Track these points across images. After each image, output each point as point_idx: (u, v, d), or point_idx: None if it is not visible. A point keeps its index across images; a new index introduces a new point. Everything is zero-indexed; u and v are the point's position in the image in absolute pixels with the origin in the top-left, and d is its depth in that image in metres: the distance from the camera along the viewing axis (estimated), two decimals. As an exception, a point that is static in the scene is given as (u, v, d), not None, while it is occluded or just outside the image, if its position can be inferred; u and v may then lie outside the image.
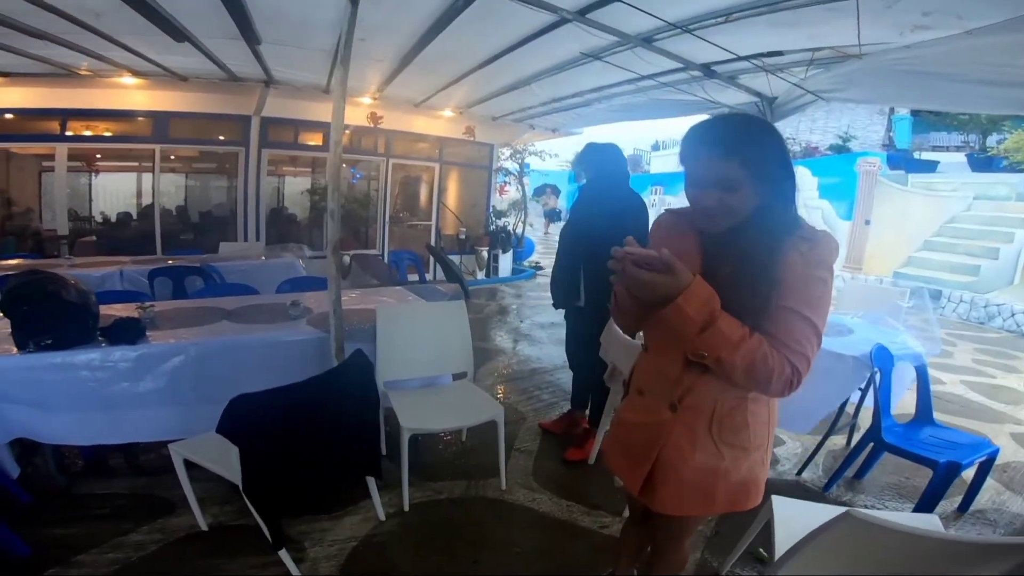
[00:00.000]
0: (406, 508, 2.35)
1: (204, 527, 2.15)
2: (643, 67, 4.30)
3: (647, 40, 3.69)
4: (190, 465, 2.05)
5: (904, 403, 3.13)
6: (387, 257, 8.06)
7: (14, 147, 6.87)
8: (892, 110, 12.94)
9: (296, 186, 8.76)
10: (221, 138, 7.11)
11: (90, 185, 7.49)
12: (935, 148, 12.15)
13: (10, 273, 3.63)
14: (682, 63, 4.12)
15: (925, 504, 2.26)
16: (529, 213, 10.17)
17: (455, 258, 8.43)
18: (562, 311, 3.07)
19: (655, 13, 3.17)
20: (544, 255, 11.05)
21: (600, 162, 2.81)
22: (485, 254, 8.74)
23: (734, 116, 1.20)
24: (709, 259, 1.16)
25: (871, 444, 2.55)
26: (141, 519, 2.21)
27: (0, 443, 2.17)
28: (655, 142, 20.45)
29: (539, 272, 9.62)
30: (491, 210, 9.51)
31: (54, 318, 2.14)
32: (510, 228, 9.50)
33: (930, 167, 10.66)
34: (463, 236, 8.78)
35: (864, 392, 2.79)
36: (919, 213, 9.60)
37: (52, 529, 2.13)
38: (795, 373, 1.05)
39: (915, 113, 12.37)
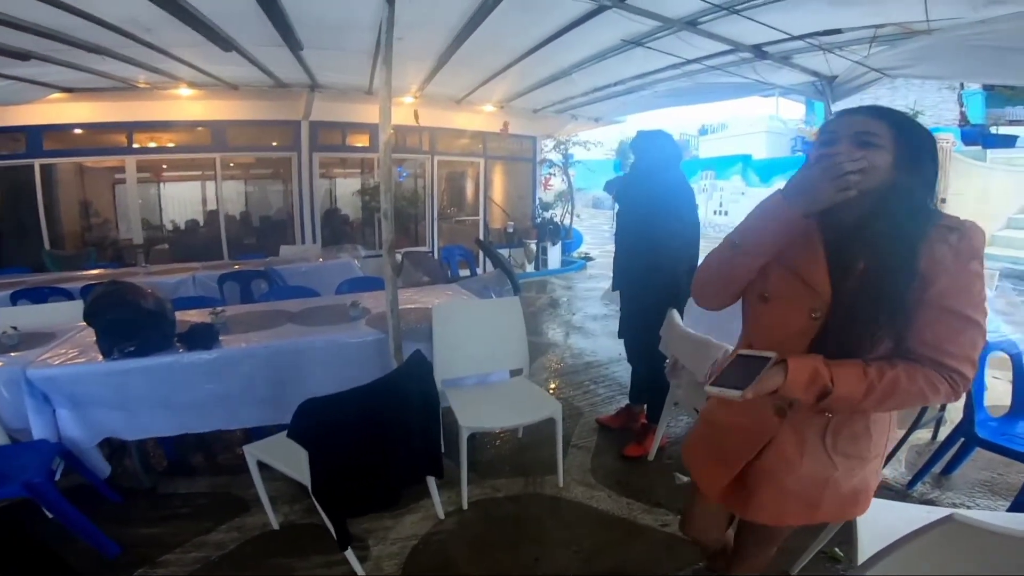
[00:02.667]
0: (465, 506, 2.37)
1: (276, 526, 2.24)
2: (688, 51, 4.16)
3: (692, 23, 3.56)
4: (262, 465, 2.13)
5: (991, 394, 2.91)
6: (437, 254, 8.18)
7: (88, 161, 7.37)
8: (962, 85, 12.06)
9: (347, 187, 9.00)
10: (274, 144, 7.37)
11: (159, 195, 7.96)
12: (1012, 123, 11.24)
13: (92, 283, 3.92)
14: (731, 45, 3.95)
15: (1022, 505, 2.09)
16: (576, 204, 10.06)
17: (504, 252, 8.47)
18: (616, 302, 3.04)
19: None
20: (593, 245, 10.92)
21: (649, 148, 2.75)
22: (533, 247, 8.74)
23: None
24: (836, 254, 1.04)
25: (962, 439, 2.38)
26: (220, 518, 2.32)
27: (91, 444, 2.33)
28: (702, 126, 19.78)
29: (589, 263, 9.52)
30: (537, 202, 9.47)
31: (135, 326, 2.28)
32: (557, 220, 9.44)
33: (1009, 142, 9.91)
34: (511, 230, 8.80)
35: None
36: (1001, 190, 8.92)
37: (139, 528, 2.26)
38: (958, 380, 0.96)
39: (988, 88, 11.50)
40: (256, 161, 8.19)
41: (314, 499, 1.77)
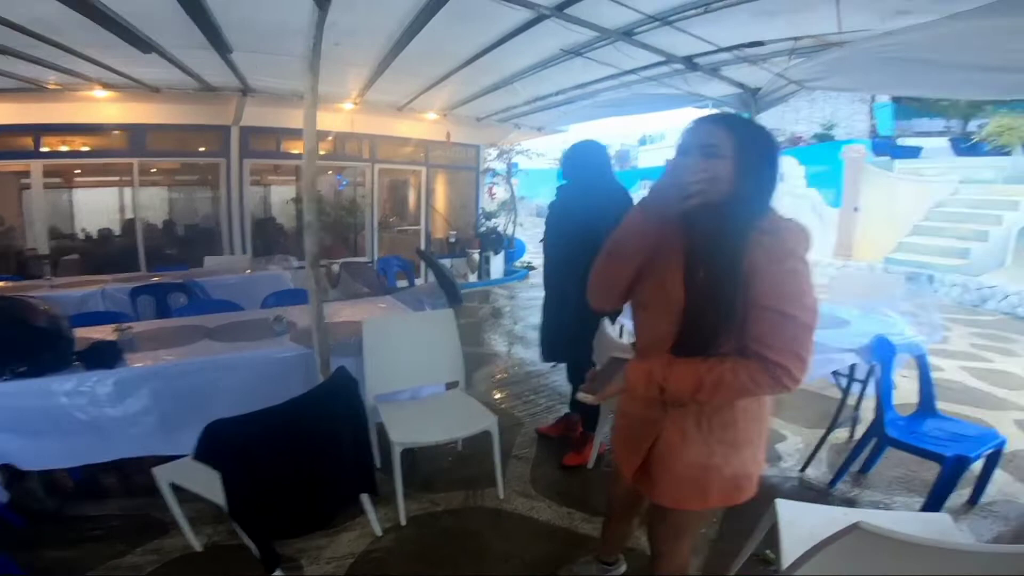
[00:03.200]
0: (403, 522, 2.31)
1: (199, 548, 2.12)
2: (625, 62, 4.25)
3: (627, 34, 3.64)
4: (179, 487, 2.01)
5: (902, 392, 3.10)
6: (376, 264, 7.99)
7: (-12, 165, 6.74)
8: (874, 97, 13.00)
9: (282, 195, 8.67)
10: (201, 149, 7.00)
11: (71, 202, 7.37)
12: (918, 134, 12.20)
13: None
14: (664, 56, 4.07)
15: (934, 502, 2.21)
16: (520, 213, 10.11)
17: (446, 261, 8.37)
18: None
19: (633, 6, 3.12)
20: (536, 255, 10.99)
21: (580, 159, 2.76)
22: (476, 256, 8.68)
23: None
24: (691, 260, 1.13)
25: (875, 439, 2.50)
26: (135, 541, 2.18)
27: None
28: (642, 137, 20.48)
29: (532, 272, 9.56)
30: (480, 212, 9.44)
31: (27, 345, 2.08)
32: (500, 229, 9.44)
33: (914, 153, 10.73)
34: (453, 239, 8.71)
35: (864, 384, 2.74)
36: (906, 198, 9.64)
37: (47, 552, 2.11)
38: (781, 373, 1.04)
39: (896, 100, 12.43)
40: (182, 167, 7.76)
41: (232, 521, 1.69)
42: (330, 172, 8.34)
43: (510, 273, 9.14)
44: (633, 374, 1.13)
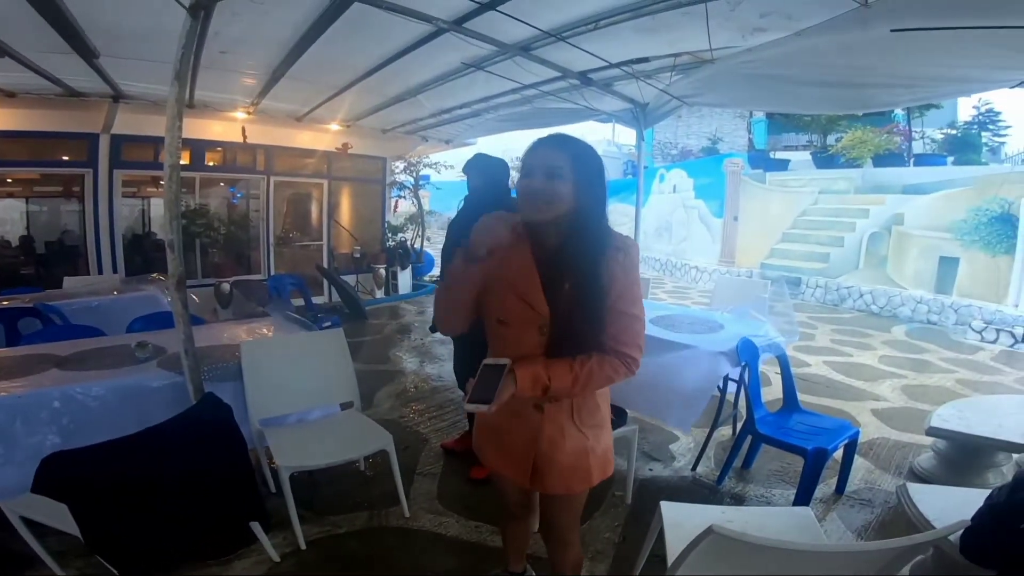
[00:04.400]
0: (303, 546, 2.19)
1: None
2: (524, 76, 4.36)
3: (525, 48, 3.74)
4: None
5: (776, 388, 3.37)
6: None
7: None
8: (751, 113, 14.29)
9: (162, 208, 7.91)
10: (65, 158, 6.26)
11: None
12: (786, 148, 13.51)
13: None
14: (560, 71, 4.21)
15: (802, 494, 2.37)
16: (431, 226, 9.98)
17: (351, 278, 8.06)
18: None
19: (529, 21, 3.21)
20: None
21: (481, 171, 2.79)
22: (383, 271, 8.43)
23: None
24: (546, 277, 1.26)
25: (749, 436, 2.68)
26: None
27: None
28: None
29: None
30: (386, 226, 9.22)
31: None
32: (408, 243, 9.27)
33: (783, 165, 11.86)
34: (358, 254, 8.40)
35: (739, 383, 2.96)
36: (777, 208, 10.67)
37: None
38: (632, 362, 1.25)
39: (769, 116, 13.71)
40: (42, 177, 6.89)
41: (94, 552, 1.59)
42: (221, 184, 7.75)
43: (418, 288, 8.97)
44: (523, 378, 1.19)
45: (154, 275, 5.22)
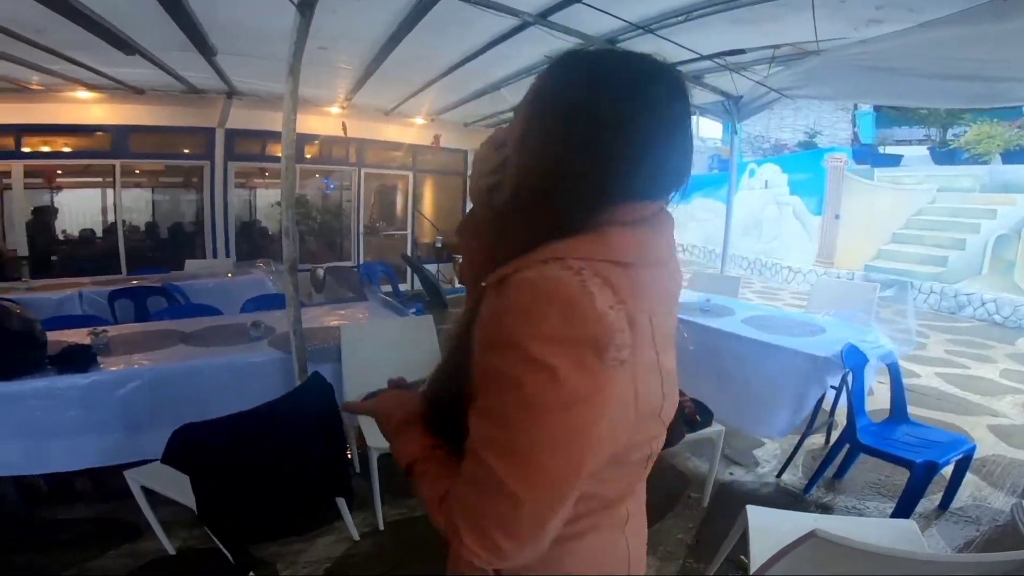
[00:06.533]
0: (381, 527, 2.32)
1: (172, 551, 2.11)
2: (609, 70, 4.31)
3: (611, 41, 3.69)
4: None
5: (879, 398, 3.14)
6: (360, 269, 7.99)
7: (-32, 166, 6.64)
8: (856, 106, 13.20)
9: (268, 198, 8.60)
10: (186, 151, 6.95)
11: (52, 203, 7.26)
12: (899, 142, 12.41)
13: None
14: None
15: (903, 508, 2.23)
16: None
17: (432, 267, 8.35)
18: None
19: (616, 14, 3.17)
20: None
21: None
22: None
23: None
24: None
25: (847, 445, 2.54)
26: (108, 544, 2.16)
27: None
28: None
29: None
30: (467, 217, 9.46)
31: (-2, 348, 2.04)
32: (486, 235, 9.45)
33: (894, 161, 10.89)
34: (440, 244, 8.71)
35: (839, 391, 2.78)
36: (886, 206, 9.78)
37: (16, 556, 2.09)
38: (476, 552, 0.60)
39: (877, 108, 12.63)
40: (166, 169, 7.68)
41: (204, 524, 1.69)
42: (317, 176, 8.28)
43: (498, 278, 9.15)
44: (380, 403, 0.83)
45: (261, 261, 5.69)
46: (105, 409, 2.19)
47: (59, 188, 7.38)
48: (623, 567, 0.73)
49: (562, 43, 3.80)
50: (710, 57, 3.84)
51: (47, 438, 2.15)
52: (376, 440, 2.25)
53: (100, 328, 2.59)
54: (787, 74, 3.71)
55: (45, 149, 6.38)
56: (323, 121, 6.98)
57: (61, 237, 6.98)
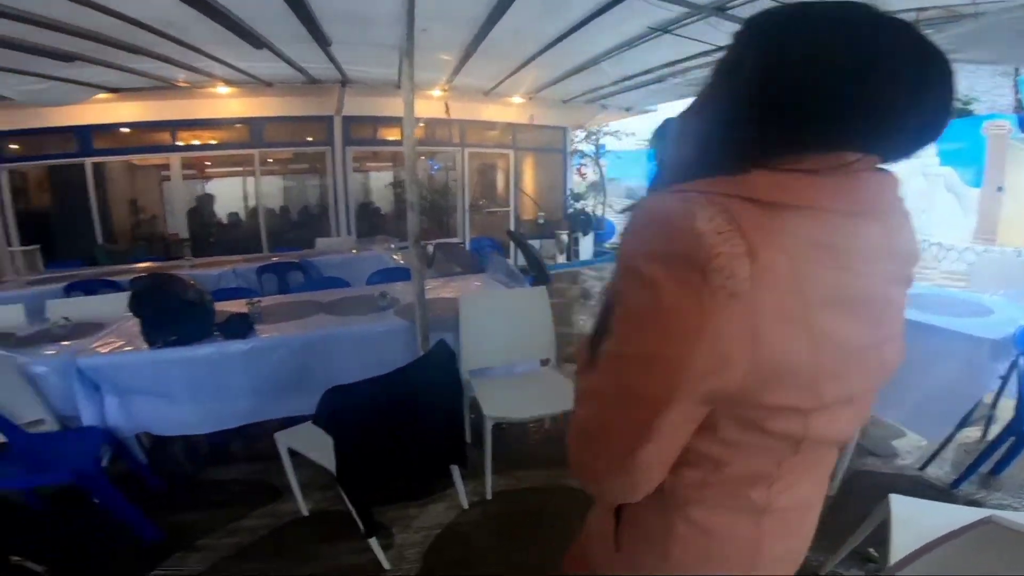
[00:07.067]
0: (489, 496, 2.38)
1: (306, 512, 2.30)
2: (720, 37, 4.03)
3: (720, 8, 3.45)
4: (294, 453, 2.18)
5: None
6: (468, 244, 8.24)
7: (135, 159, 7.71)
8: (1018, 70, 11.18)
9: (380, 180, 9.15)
10: (309, 139, 7.54)
11: (203, 191, 8.26)
12: (1077, 109, 10.35)
13: (146, 275, 4.11)
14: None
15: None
16: (609, 194, 9.92)
17: (535, 243, 8.43)
18: None
19: None
20: None
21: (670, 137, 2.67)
22: (565, 237, 8.66)
23: None
24: None
25: (1012, 438, 2.25)
26: (254, 504, 2.40)
27: (131, 434, 2.43)
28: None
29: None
30: (568, 193, 9.39)
31: (177, 316, 2.38)
32: (589, 211, 9.33)
33: (1066, 129, 9.14)
34: (542, 221, 8.78)
35: (1005, 380, 2.43)
36: (1058, 178, 8.30)
37: (180, 515, 2.33)
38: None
39: (1044, 73, 10.62)
40: (293, 156, 8.40)
41: (339, 486, 1.80)
42: (423, 157, 8.66)
43: (600, 254, 9.04)
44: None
45: (380, 237, 6.09)
46: (260, 373, 2.46)
47: (208, 177, 8.38)
48: (746, 564, 0.67)
49: (665, 13, 3.62)
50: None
51: (214, 399, 2.45)
52: (493, 409, 2.33)
53: (255, 299, 2.94)
54: (938, 38, 3.27)
55: (195, 142, 7.22)
56: (427, 104, 7.22)
57: (214, 221, 7.95)
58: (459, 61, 5.34)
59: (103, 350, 2.39)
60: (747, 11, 3.46)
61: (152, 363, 2.36)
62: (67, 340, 2.58)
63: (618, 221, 10.45)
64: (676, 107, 8.28)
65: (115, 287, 3.92)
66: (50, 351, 2.45)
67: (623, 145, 10.37)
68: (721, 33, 3.87)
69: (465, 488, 2.35)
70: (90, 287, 3.98)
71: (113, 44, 4.13)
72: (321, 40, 4.40)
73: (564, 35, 4.35)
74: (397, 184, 8.34)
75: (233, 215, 7.99)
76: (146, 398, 2.44)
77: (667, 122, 2.72)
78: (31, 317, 3.08)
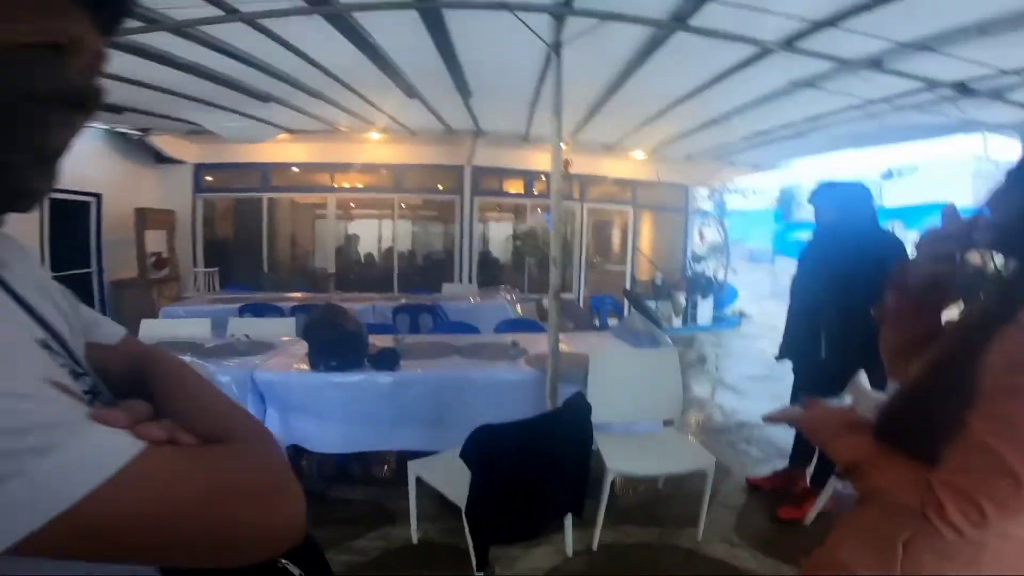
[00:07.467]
0: (594, 547, 2.37)
1: (415, 540, 2.39)
2: (871, 91, 3.86)
3: (875, 63, 3.33)
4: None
5: None
6: (582, 301, 8.26)
7: (297, 197, 8.76)
8: None
9: (499, 231, 9.55)
10: (440, 187, 8.09)
11: (346, 231, 9.22)
12: None
13: (299, 304, 4.67)
14: (925, 82, 3.60)
15: None
16: (732, 257, 9.49)
17: (650, 304, 8.26)
18: (787, 364, 2.90)
19: (882, 35, 2.87)
20: (750, 302, 10.11)
21: (841, 202, 2.57)
22: (682, 300, 8.33)
23: None
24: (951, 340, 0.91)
25: None
26: (370, 526, 2.53)
27: (283, 445, 2.69)
28: (887, 170, 17.53)
29: (744, 320, 8.83)
30: (689, 254, 9.14)
31: (340, 345, 2.68)
32: (710, 273, 8.98)
33: None
34: (659, 282, 8.50)
35: None
36: None
37: (312, 530, 2.56)
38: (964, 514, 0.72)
39: None
40: (423, 203, 9.07)
41: (465, 519, 1.87)
42: (539, 211, 8.81)
43: (719, 320, 8.61)
44: (815, 413, 0.99)
45: (503, 287, 6.34)
46: (400, 404, 2.67)
47: (352, 218, 9.36)
48: None
49: (811, 68, 3.55)
50: (1017, 72, 3.21)
51: (358, 423, 2.70)
52: (615, 462, 2.36)
53: (400, 336, 3.23)
54: None
55: (346, 185, 8.08)
56: (548, 157, 7.50)
57: (356, 259, 8.79)
58: (585, 116, 5.47)
59: (274, 367, 2.75)
60: (906, 64, 3.32)
61: (312, 384, 2.67)
62: (246, 355, 2.96)
63: (742, 286, 9.91)
64: (813, 163, 7.91)
65: (278, 312, 4.49)
66: (231, 363, 2.83)
67: (749, 204, 9.96)
68: (873, 86, 3.72)
69: (572, 536, 2.35)
70: (258, 310, 4.58)
71: (300, 87, 4.63)
72: (464, 92, 4.70)
73: (696, 91, 4.35)
74: (516, 236, 8.59)
75: (368, 255, 8.80)
76: (301, 415, 2.74)
77: (826, 185, 2.65)
78: (214, 331, 3.60)
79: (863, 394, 2.20)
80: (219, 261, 7.77)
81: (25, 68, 0.38)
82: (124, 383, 0.47)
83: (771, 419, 1.09)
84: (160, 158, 7.00)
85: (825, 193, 2.63)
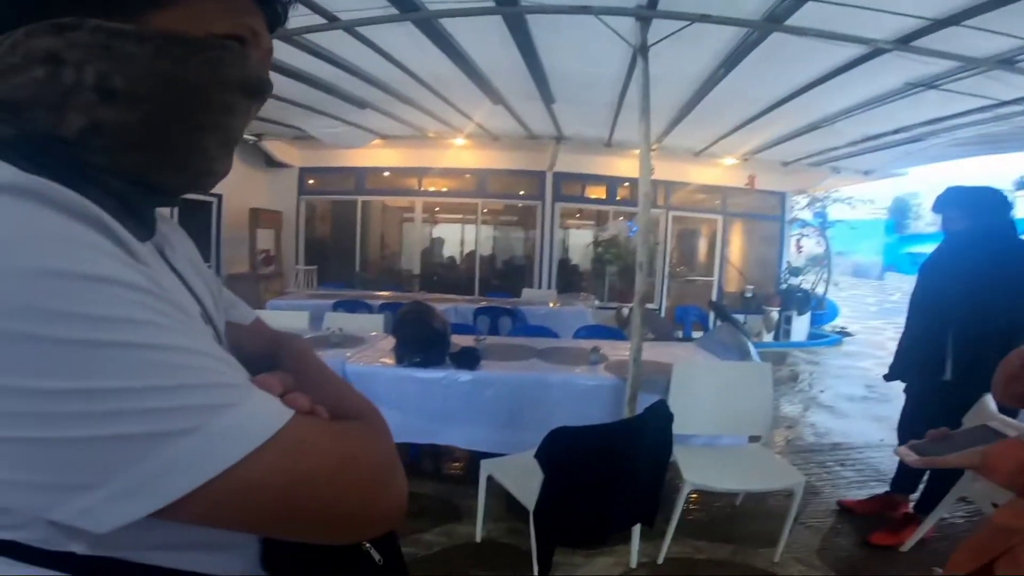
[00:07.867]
0: (660, 560, 2.29)
1: (478, 539, 2.39)
2: (1004, 91, 3.47)
3: (1007, 62, 2.99)
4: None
5: None
6: (664, 312, 8.03)
7: (388, 200, 9.22)
8: None
9: (579, 238, 9.50)
10: (521, 193, 8.21)
11: (431, 233, 9.60)
12: None
13: (388, 302, 4.92)
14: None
15: None
16: (833, 271, 8.80)
17: (739, 317, 7.87)
18: (895, 385, 2.69)
19: (1014, 32, 2.58)
20: (852, 320, 9.32)
21: (973, 209, 2.32)
22: (775, 315, 7.80)
23: None
24: None
25: None
26: (435, 521, 2.56)
27: None
28: (1019, 178, 15.58)
29: (846, 338, 8.17)
30: (784, 267, 8.57)
31: (426, 342, 2.79)
32: (808, 287, 8.37)
33: None
34: (750, 294, 8.05)
35: None
36: None
37: None
38: None
39: None
40: (504, 208, 9.24)
41: (532, 522, 1.87)
42: (621, 219, 8.62)
43: (817, 337, 8.01)
44: (1000, 451, 0.92)
45: (583, 294, 6.33)
46: (477, 402, 2.72)
47: (437, 222, 9.73)
48: None
49: (931, 67, 3.25)
50: None
51: (437, 419, 2.76)
52: (693, 475, 2.26)
53: (481, 336, 3.32)
54: None
55: (432, 189, 8.40)
56: (631, 164, 7.34)
57: (440, 262, 9.14)
58: (672, 122, 5.36)
59: (364, 360, 2.91)
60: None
61: (397, 377, 2.79)
62: (339, 347, 3.15)
63: (843, 302, 9.14)
64: (933, 171, 7.22)
65: (368, 308, 4.76)
66: (327, 354, 3.00)
67: (856, 213, 9.20)
68: (1005, 86, 3.35)
69: (638, 547, 2.30)
70: (350, 306, 4.87)
71: (393, 93, 4.86)
72: (547, 97, 4.76)
73: (796, 93, 4.14)
74: (597, 243, 8.44)
75: (451, 258, 9.10)
76: (383, 407, 2.86)
77: (954, 190, 2.39)
78: (311, 324, 3.88)
79: (992, 420, 1.98)
80: (318, 259, 8.37)
81: (217, 56, 0.41)
82: (255, 361, 0.50)
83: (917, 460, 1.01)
84: (270, 162, 7.64)
85: (954, 199, 2.37)
